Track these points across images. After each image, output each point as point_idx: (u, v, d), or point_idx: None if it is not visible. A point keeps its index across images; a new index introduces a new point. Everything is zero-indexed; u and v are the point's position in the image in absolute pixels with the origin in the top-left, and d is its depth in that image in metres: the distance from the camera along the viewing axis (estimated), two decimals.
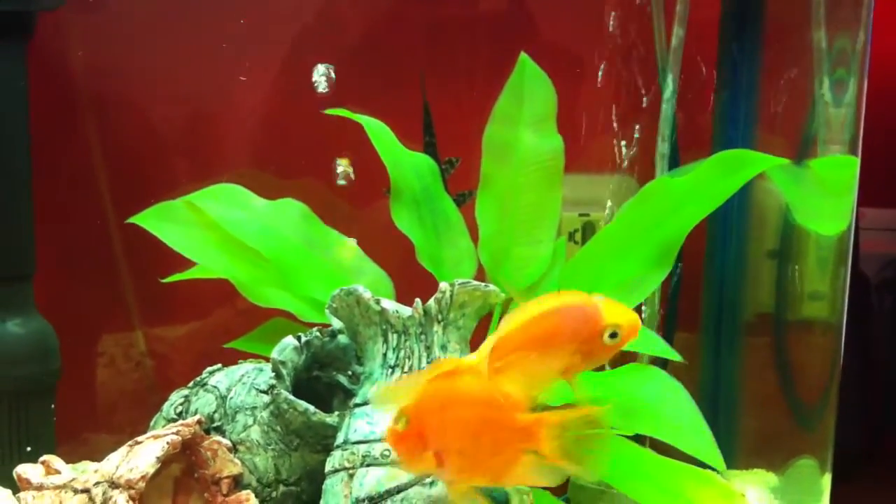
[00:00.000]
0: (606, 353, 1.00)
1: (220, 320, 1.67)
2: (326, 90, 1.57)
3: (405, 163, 1.44)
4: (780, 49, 1.54)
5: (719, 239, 1.60)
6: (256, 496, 1.27)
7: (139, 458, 1.18)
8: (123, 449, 1.22)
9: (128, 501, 1.15)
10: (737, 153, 1.28)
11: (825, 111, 1.41)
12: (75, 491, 1.22)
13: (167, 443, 1.19)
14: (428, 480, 1.12)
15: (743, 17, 1.57)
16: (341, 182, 1.56)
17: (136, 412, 1.57)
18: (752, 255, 1.60)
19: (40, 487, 1.25)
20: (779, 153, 1.29)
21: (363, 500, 1.13)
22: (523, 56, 1.41)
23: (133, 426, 1.37)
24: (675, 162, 1.52)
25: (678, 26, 1.50)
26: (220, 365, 1.41)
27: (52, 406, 1.50)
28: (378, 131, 1.43)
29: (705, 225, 1.52)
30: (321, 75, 1.57)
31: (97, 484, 1.19)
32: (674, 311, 1.60)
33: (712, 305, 1.64)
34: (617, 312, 0.99)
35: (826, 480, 1.31)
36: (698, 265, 1.64)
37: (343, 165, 1.56)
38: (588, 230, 1.64)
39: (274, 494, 1.32)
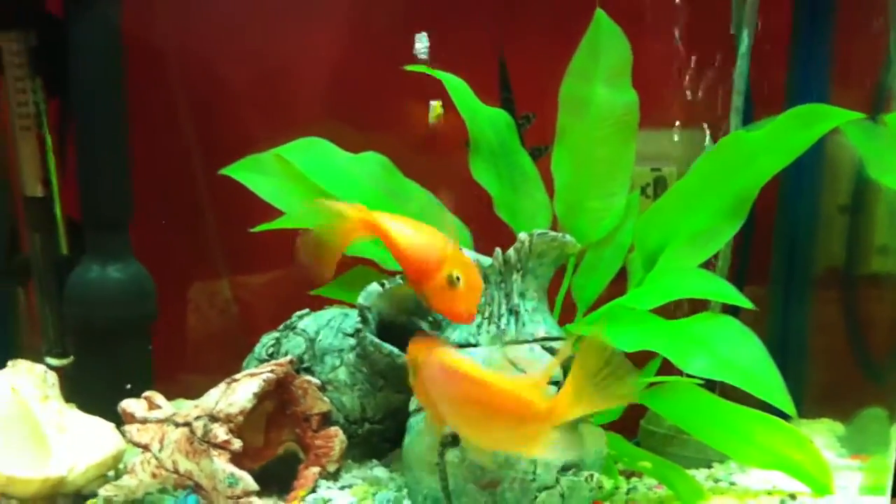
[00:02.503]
0: None
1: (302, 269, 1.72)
2: (426, 54, 1.60)
3: (483, 118, 1.48)
4: (856, 4, 1.53)
5: (792, 193, 1.61)
6: (343, 432, 1.34)
7: (237, 394, 1.26)
8: (222, 386, 1.30)
9: (227, 434, 1.23)
10: (812, 107, 1.28)
11: None
12: (177, 424, 1.30)
13: (263, 380, 1.27)
14: None
15: None
16: (433, 121, 1.59)
17: (223, 355, 1.63)
18: (824, 210, 1.61)
19: (144, 421, 1.34)
20: (854, 108, 1.28)
21: (447, 437, 1.19)
22: (599, 12, 1.42)
23: (221, 368, 1.40)
24: (748, 117, 1.53)
25: None
26: (307, 310, 1.48)
27: (150, 347, 1.59)
28: (457, 87, 1.47)
29: (778, 179, 1.53)
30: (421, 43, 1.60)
31: (198, 418, 1.27)
32: (745, 264, 1.61)
33: (783, 259, 1.65)
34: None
35: (893, 431, 1.33)
36: (770, 220, 1.66)
37: (436, 108, 1.59)
38: (660, 185, 1.66)
39: (360, 431, 1.40)
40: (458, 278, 1.08)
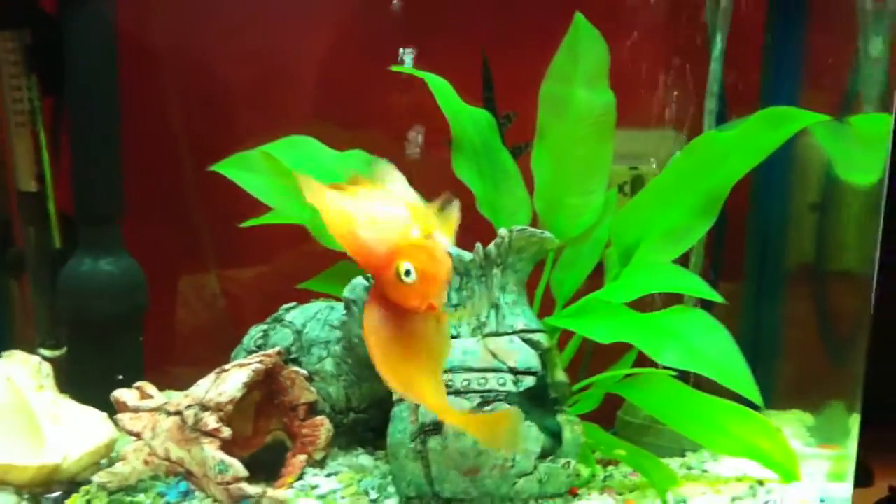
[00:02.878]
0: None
1: (288, 264, 1.76)
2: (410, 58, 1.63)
3: (465, 117, 1.51)
4: (828, 9, 1.58)
5: (764, 192, 1.66)
6: (330, 421, 1.39)
7: (227, 384, 1.30)
8: (211, 376, 1.34)
9: (217, 422, 1.27)
10: (781, 109, 1.33)
11: (869, 69, 1.45)
12: (168, 413, 1.34)
13: (252, 370, 1.31)
14: (488, 408, 1.23)
15: None
16: (413, 150, 1.62)
17: (211, 348, 1.66)
18: (794, 208, 1.66)
19: (136, 410, 1.38)
20: (824, 110, 1.32)
21: (428, 426, 1.24)
22: (578, 16, 1.46)
23: (209, 360, 1.42)
24: (722, 118, 1.57)
25: None
26: (295, 303, 1.52)
27: (140, 339, 1.62)
28: (440, 87, 1.50)
29: (750, 179, 1.57)
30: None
31: (189, 407, 1.31)
32: (719, 261, 1.66)
33: (755, 256, 1.70)
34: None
35: (854, 420, 1.38)
36: (742, 218, 1.70)
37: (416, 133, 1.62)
38: (637, 183, 1.69)
39: (345, 420, 1.44)
40: (407, 272, 1.00)
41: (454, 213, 1.09)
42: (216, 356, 1.47)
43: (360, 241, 1.03)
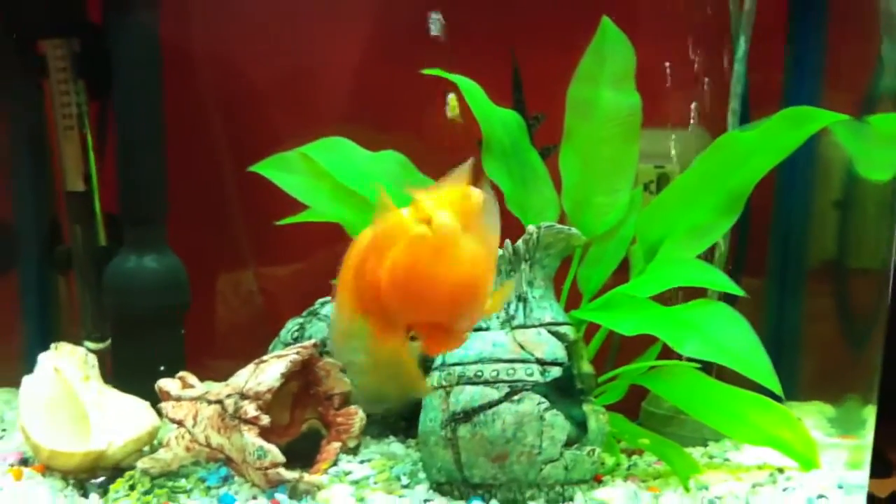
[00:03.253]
0: None
1: (323, 260, 1.80)
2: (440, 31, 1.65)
3: (495, 118, 1.55)
4: (850, 10, 1.60)
5: (787, 190, 1.69)
6: (363, 411, 1.43)
7: (265, 374, 1.35)
8: (251, 366, 1.39)
9: (256, 410, 1.32)
10: (801, 109, 1.36)
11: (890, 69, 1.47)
12: (209, 402, 1.39)
13: (290, 361, 1.36)
14: (516, 398, 1.27)
15: None
16: (451, 114, 1.64)
17: (249, 342, 1.72)
18: (817, 206, 1.68)
19: (179, 399, 1.43)
20: (846, 110, 1.35)
21: (459, 414, 1.28)
22: (605, 20, 1.50)
23: (247, 353, 1.45)
24: (745, 119, 1.60)
25: None
26: (329, 297, 1.56)
27: (182, 332, 1.67)
28: (471, 89, 1.54)
29: (773, 178, 1.60)
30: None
31: (229, 396, 1.36)
32: (742, 258, 1.69)
33: (778, 253, 1.73)
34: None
35: (867, 411, 1.41)
36: (766, 216, 1.73)
37: (452, 100, 1.64)
38: (663, 182, 1.72)
39: (378, 410, 1.49)
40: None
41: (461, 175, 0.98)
42: (254, 350, 1.51)
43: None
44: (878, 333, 1.38)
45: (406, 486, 1.35)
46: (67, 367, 1.48)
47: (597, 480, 1.35)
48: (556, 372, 1.29)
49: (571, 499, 1.28)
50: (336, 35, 1.81)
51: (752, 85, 1.61)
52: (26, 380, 1.47)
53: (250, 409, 1.32)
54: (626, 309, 1.34)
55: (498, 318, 1.34)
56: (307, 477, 1.31)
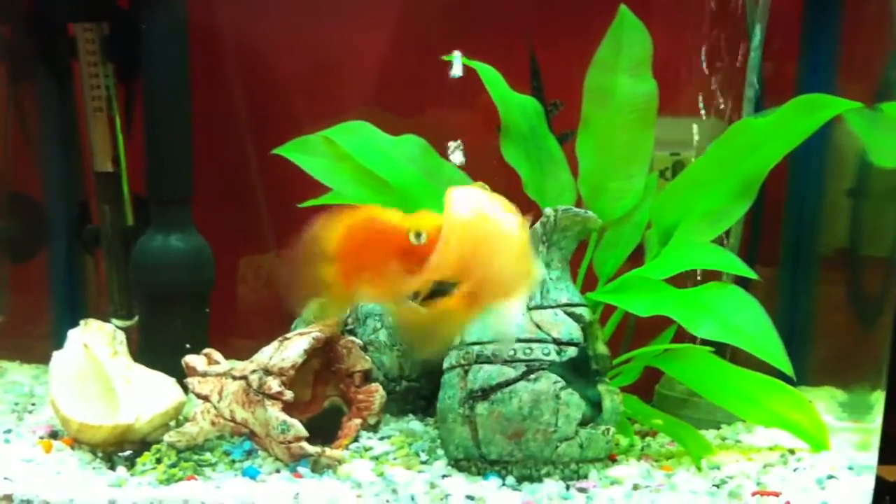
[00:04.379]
0: None
1: None
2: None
3: (514, 104, 1.57)
4: (862, 1, 1.62)
5: (800, 178, 1.71)
6: (383, 389, 1.46)
7: (289, 350, 1.39)
8: (275, 343, 1.43)
9: (280, 386, 1.35)
10: (814, 97, 1.38)
11: None
12: (234, 377, 1.43)
13: (313, 338, 1.39)
14: (533, 376, 1.30)
15: None
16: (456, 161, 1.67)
17: (270, 323, 1.74)
18: (830, 194, 1.71)
19: (205, 374, 1.46)
20: (859, 98, 1.36)
21: (476, 392, 1.32)
22: (623, 8, 1.52)
23: (269, 334, 1.47)
24: (760, 106, 1.62)
25: None
26: None
27: (207, 311, 1.70)
28: (490, 76, 1.56)
29: (787, 164, 1.61)
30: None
31: (253, 372, 1.39)
32: (756, 245, 1.71)
33: (792, 240, 1.75)
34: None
35: (876, 396, 1.43)
36: (780, 204, 1.75)
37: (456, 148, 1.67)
38: (678, 169, 1.74)
39: (398, 388, 1.53)
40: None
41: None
42: (276, 330, 1.51)
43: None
44: (888, 320, 1.41)
45: (425, 462, 1.38)
46: (96, 342, 1.51)
47: (611, 459, 1.38)
48: (572, 352, 1.32)
49: (586, 476, 1.31)
50: (357, 23, 1.83)
51: (766, 73, 1.63)
52: (56, 355, 1.50)
53: (274, 384, 1.35)
54: (641, 291, 1.37)
55: None
56: (329, 452, 1.34)
